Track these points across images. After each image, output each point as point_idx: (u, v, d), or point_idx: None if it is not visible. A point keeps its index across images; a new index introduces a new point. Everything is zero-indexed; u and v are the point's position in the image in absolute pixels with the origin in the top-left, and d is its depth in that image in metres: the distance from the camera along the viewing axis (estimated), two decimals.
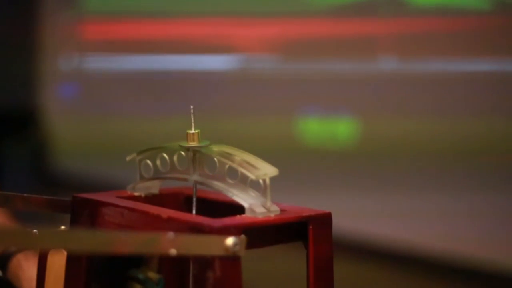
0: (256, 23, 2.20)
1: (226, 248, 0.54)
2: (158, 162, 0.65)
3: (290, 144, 2.08)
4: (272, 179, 0.59)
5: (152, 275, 0.66)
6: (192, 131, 0.63)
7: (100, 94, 2.62)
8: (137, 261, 0.67)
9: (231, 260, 0.55)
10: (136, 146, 0.70)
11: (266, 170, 0.59)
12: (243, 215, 0.58)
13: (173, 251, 0.52)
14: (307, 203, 0.63)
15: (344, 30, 2.00)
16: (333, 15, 2.03)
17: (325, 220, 0.60)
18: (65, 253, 0.64)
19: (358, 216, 1.88)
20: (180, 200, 0.68)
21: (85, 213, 0.63)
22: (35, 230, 0.48)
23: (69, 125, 2.67)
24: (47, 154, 2.68)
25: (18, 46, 2.72)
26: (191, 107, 0.65)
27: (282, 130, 2.12)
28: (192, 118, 0.64)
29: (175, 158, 0.64)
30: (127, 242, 0.51)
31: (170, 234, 0.52)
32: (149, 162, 0.66)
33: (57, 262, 0.64)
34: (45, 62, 2.75)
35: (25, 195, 0.62)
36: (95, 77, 2.66)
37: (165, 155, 0.65)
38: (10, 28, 2.73)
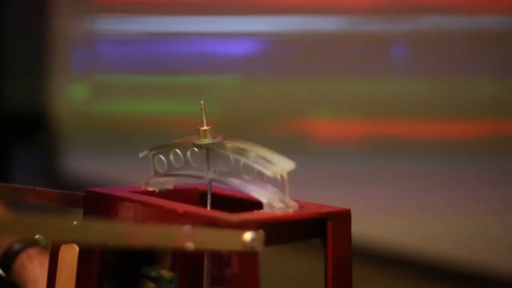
0: None
1: (244, 244, 0.53)
2: (171, 157, 0.64)
3: None
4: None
5: (165, 273, 0.65)
6: (204, 128, 0.62)
7: (113, 66, 2.56)
8: (150, 259, 0.66)
9: (249, 256, 0.53)
10: (150, 143, 0.69)
11: (282, 165, 0.58)
12: (261, 211, 0.57)
13: (190, 245, 0.50)
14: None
15: None
16: None
17: (344, 217, 0.59)
18: (77, 248, 0.62)
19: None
20: (195, 196, 0.66)
21: (98, 208, 0.62)
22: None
23: (80, 124, 2.64)
24: (58, 154, 2.66)
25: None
26: (201, 102, 0.63)
27: None
28: (203, 114, 0.62)
29: (188, 153, 0.63)
30: (142, 235, 0.49)
31: (187, 227, 0.51)
32: (162, 157, 0.64)
33: (69, 258, 0.63)
34: (58, 28, 2.68)
35: (38, 188, 0.60)
36: (106, 42, 2.59)
37: (178, 151, 0.64)
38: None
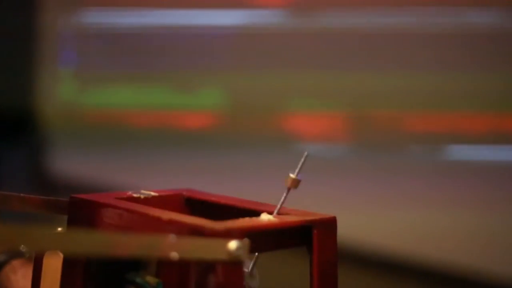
0: None
1: (229, 252, 0.53)
2: None
3: None
4: None
5: (151, 279, 0.64)
6: None
7: (101, 62, 2.54)
8: (135, 265, 0.65)
9: (234, 264, 0.53)
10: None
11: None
12: (246, 218, 0.57)
13: (174, 255, 0.50)
14: None
15: None
16: None
17: (330, 224, 0.59)
18: (61, 256, 0.62)
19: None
20: (180, 202, 0.66)
21: (83, 214, 0.61)
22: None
23: (68, 123, 2.63)
24: (46, 154, 2.65)
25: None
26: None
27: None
28: None
29: None
30: (127, 245, 0.49)
31: (172, 237, 0.51)
32: None
33: (53, 265, 0.63)
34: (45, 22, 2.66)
35: (22, 195, 0.60)
36: (95, 38, 2.56)
37: None
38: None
